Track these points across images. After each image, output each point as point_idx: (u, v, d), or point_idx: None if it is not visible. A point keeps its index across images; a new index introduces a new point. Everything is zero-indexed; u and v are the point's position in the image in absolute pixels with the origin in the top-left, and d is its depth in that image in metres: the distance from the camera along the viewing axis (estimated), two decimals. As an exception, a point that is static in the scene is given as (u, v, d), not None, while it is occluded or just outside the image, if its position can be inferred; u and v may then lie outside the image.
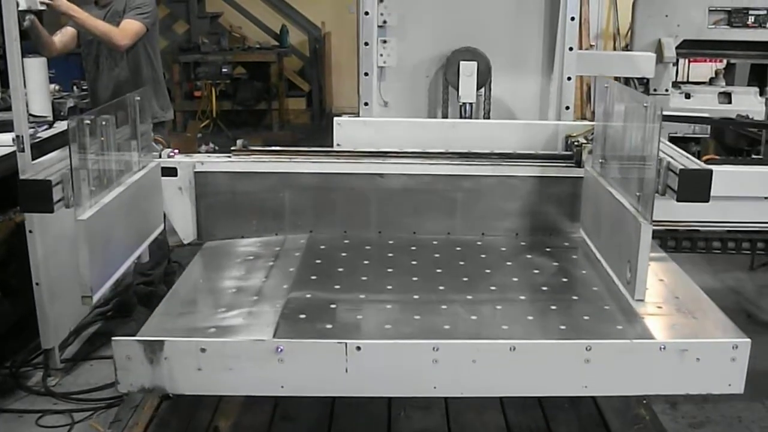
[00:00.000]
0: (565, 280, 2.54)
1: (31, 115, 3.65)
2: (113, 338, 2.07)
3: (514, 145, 2.90)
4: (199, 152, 2.91)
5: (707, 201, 2.14)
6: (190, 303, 2.40)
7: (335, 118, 2.93)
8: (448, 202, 2.85)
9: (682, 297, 2.39)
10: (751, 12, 4.92)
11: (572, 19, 3.29)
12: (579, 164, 2.83)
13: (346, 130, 2.93)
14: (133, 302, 4.40)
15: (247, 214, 2.85)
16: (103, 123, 2.37)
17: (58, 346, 3.85)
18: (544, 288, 2.47)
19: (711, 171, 2.14)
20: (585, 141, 2.84)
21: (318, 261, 2.65)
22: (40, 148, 3.64)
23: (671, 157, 2.24)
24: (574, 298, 2.41)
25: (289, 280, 2.48)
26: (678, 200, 2.15)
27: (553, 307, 2.32)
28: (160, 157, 2.82)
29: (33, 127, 3.72)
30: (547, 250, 2.76)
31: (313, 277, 2.52)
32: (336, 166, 2.82)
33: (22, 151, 3.37)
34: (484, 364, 2.04)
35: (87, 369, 3.97)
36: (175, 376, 2.07)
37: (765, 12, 4.98)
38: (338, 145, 2.92)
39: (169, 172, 2.82)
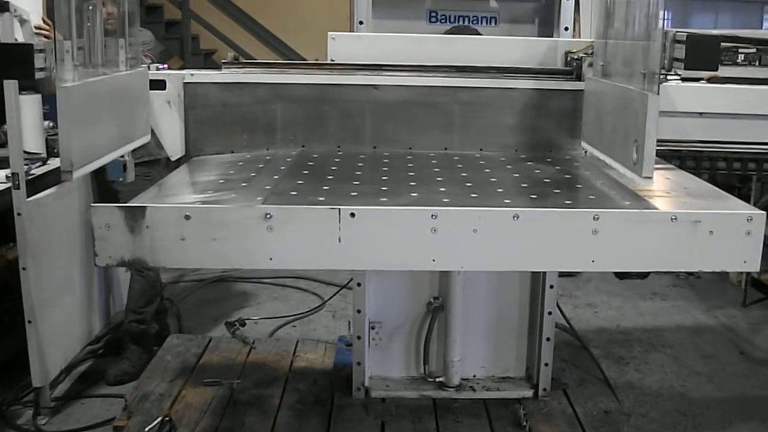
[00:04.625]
0: (567, 176, 2.44)
1: (25, 152, 3.58)
2: (92, 204, 1.95)
3: (513, 62, 2.83)
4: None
5: (716, 69, 2.07)
6: (176, 188, 2.29)
7: (329, 33, 2.85)
8: (445, 116, 2.76)
9: (692, 188, 2.29)
10: (740, 50, 4.96)
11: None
12: (579, 78, 2.75)
13: (340, 46, 2.85)
14: (124, 340, 4.26)
15: (238, 129, 2.74)
16: (90, 8, 2.29)
17: (49, 384, 3.72)
18: (547, 180, 2.36)
19: (719, 38, 2.07)
20: (585, 55, 2.78)
21: (310, 163, 2.54)
22: (34, 185, 3.58)
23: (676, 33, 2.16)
24: (578, 186, 2.31)
25: (280, 174, 2.37)
26: (686, 68, 2.06)
27: (557, 191, 2.22)
28: (149, 69, 2.73)
29: (27, 164, 3.66)
30: (548, 160, 2.66)
31: (305, 172, 2.41)
32: (330, 77, 2.74)
33: (18, 188, 3.29)
34: (485, 234, 1.92)
35: (78, 407, 3.84)
36: (157, 247, 1.94)
37: (755, 50, 5.01)
38: (332, 60, 2.84)
39: (158, 85, 2.72)
